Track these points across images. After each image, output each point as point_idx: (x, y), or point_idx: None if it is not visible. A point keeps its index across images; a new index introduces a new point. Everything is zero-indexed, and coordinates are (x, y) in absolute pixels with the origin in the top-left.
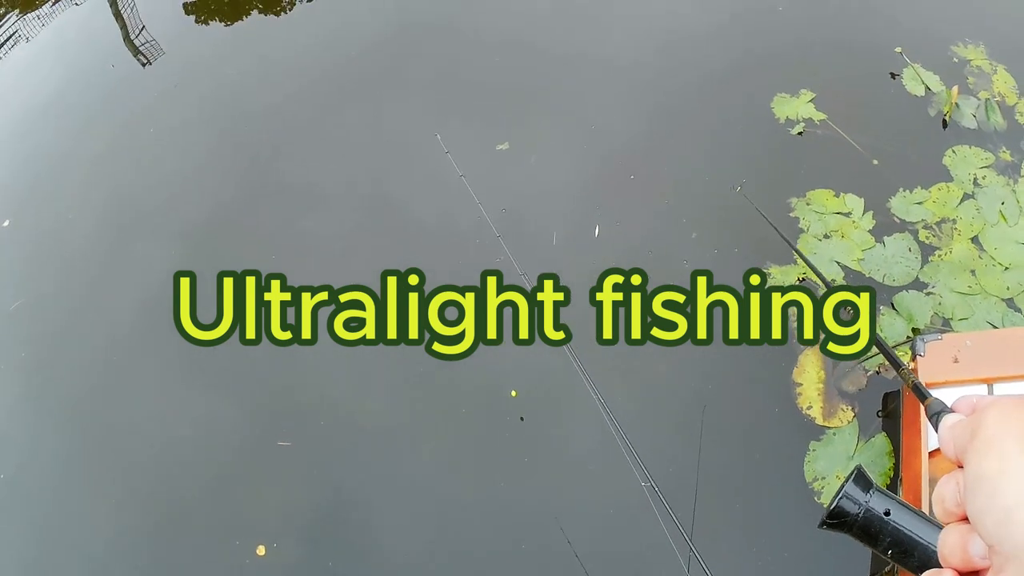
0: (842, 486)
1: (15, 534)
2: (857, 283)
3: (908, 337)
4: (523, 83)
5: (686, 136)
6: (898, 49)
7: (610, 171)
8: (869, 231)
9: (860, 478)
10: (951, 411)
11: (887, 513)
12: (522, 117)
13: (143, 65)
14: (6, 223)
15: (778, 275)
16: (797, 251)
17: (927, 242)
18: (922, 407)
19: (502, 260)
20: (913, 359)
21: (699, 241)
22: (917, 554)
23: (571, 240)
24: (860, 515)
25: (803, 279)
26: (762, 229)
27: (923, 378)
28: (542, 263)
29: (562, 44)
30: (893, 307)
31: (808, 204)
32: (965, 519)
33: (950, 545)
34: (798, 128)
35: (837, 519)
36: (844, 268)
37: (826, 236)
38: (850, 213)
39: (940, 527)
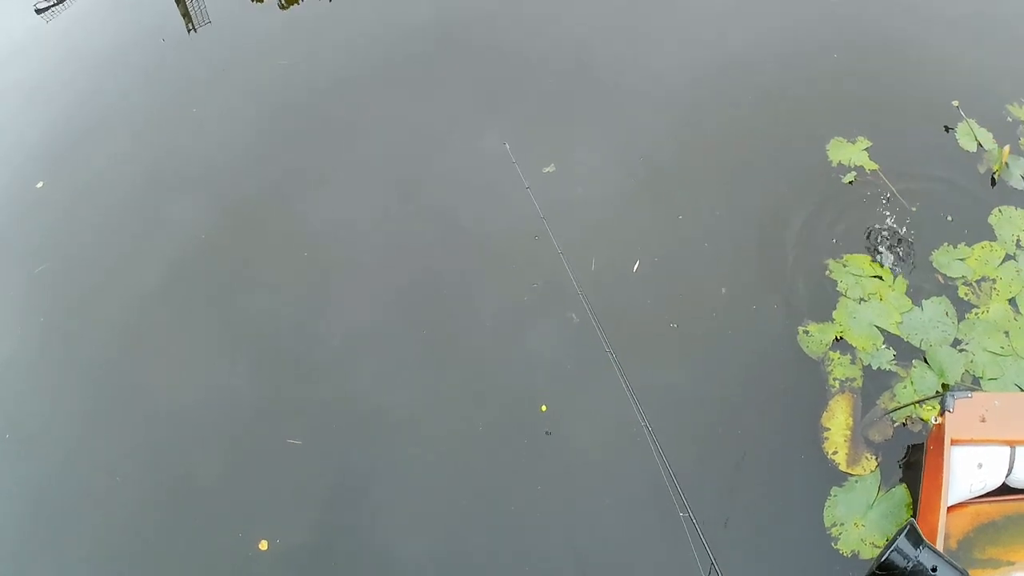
0: (894, 539)
1: (21, 496)
2: (894, 344)
3: (937, 392)
4: (575, 108)
5: (738, 174)
6: (955, 102)
7: (656, 205)
8: (905, 293)
9: (912, 533)
10: None
11: (934, 570)
12: (571, 142)
13: (189, 32)
14: (40, 184)
15: (816, 332)
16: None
17: (965, 299)
18: (944, 461)
19: (557, 273)
20: (941, 414)
21: (731, 294)
22: None
23: (610, 270)
24: (908, 569)
25: (841, 337)
26: (803, 283)
27: (950, 434)
28: (581, 287)
29: (616, 70)
30: (925, 361)
31: (845, 267)
32: None
33: None
34: (849, 177)
35: (886, 571)
36: (884, 332)
37: (863, 299)
38: (883, 278)
39: None
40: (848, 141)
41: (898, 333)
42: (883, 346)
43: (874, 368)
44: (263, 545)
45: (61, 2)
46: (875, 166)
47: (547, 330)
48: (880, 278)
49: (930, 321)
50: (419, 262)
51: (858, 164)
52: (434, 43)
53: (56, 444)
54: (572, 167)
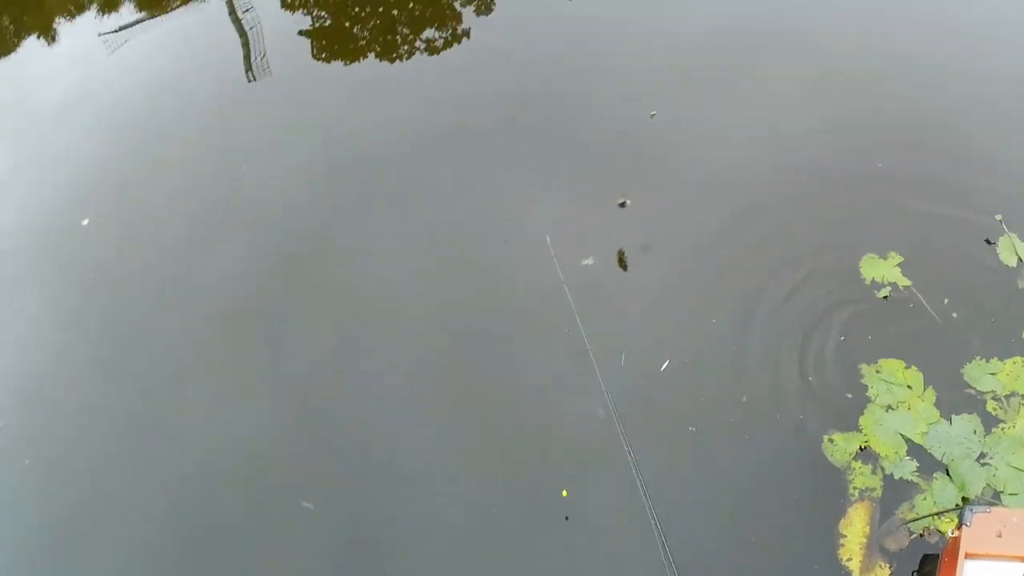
0: None
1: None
2: (917, 455)
3: (957, 505)
4: (619, 198)
5: (774, 282)
6: (999, 216)
7: (691, 306)
8: (934, 404)
9: None
10: None
11: None
12: (612, 233)
13: (249, 81)
14: (85, 222)
15: (841, 442)
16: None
17: (993, 413)
18: (958, 575)
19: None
20: (959, 527)
21: (756, 402)
22: None
23: (639, 366)
24: None
25: (865, 447)
26: (829, 396)
27: (965, 547)
28: (607, 381)
29: (662, 167)
30: (947, 473)
31: (878, 372)
32: None
33: None
34: (884, 292)
35: None
36: (907, 441)
37: (891, 408)
38: (912, 387)
39: None
40: (880, 257)
41: (922, 444)
42: (907, 456)
43: (896, 478)
44: None
45: (128, 27)
46: (908, 282)
47: (572, 421)
48: (910, 387)
49: (956, 437)
50: (450, 343)
51: (891, 280)
52: (492, 118)
53: (75, 479)
54: (611, 260)
